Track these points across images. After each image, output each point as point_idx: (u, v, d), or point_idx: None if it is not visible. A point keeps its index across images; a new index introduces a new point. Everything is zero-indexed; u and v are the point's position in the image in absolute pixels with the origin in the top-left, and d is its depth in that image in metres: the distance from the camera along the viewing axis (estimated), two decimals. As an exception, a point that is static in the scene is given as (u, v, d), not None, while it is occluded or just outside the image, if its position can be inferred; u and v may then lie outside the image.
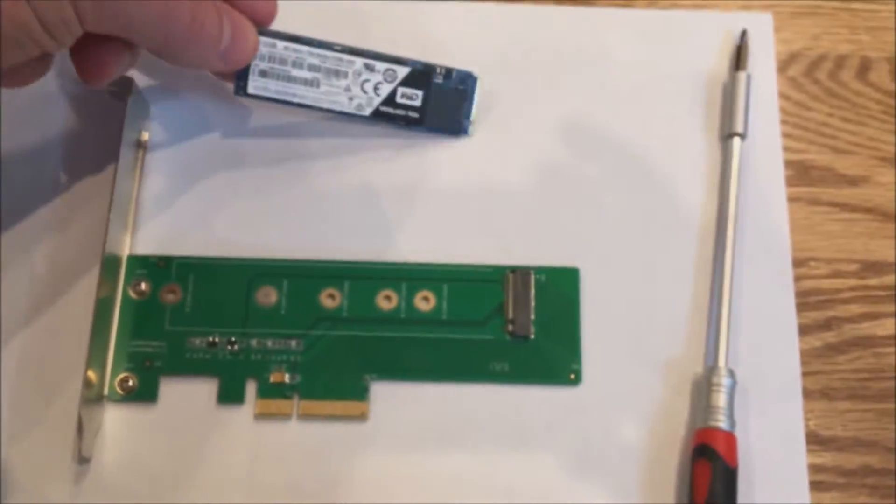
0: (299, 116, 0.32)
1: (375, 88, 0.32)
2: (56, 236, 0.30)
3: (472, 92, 0.32)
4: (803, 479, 0.29)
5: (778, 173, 0.32)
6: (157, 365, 0.29)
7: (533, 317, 0.30)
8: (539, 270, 0.30)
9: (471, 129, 0.33)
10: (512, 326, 0.30)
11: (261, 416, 0.29)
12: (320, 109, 0.31)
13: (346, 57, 0.31)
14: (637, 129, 0.33)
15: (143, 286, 0.30)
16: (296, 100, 0.31)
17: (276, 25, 0.30)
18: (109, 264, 0.29)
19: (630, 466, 0.29)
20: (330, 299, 0.30)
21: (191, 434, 0.28)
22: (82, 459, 0.27)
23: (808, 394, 0.30)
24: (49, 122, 0.32)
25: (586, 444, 0.29)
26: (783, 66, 0.34)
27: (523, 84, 0.33)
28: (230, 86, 0.30)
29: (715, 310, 0.30)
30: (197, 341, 0.29)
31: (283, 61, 0.30)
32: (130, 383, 0.29)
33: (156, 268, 0.30)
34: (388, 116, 0.32)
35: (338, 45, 0.31)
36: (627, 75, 0.33)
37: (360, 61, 0.31)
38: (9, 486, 0.28)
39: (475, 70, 0.32)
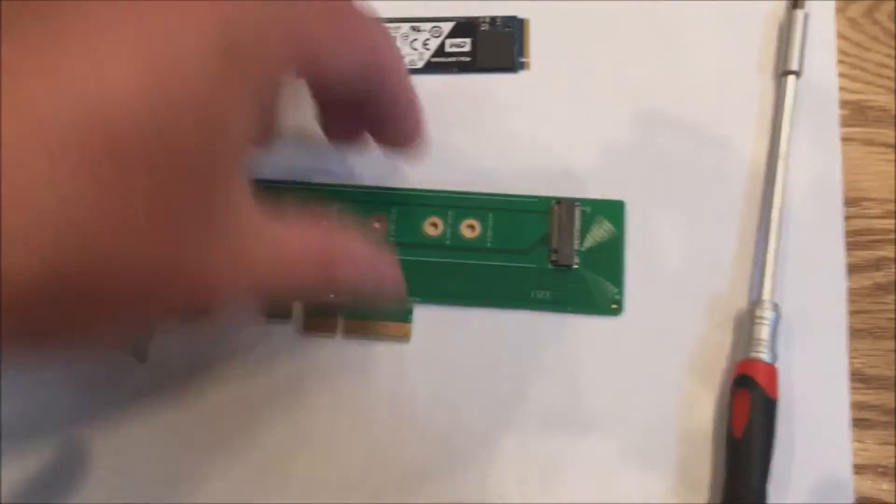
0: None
1: (424, 44, 0.33)
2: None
3: (521, 32, 0.33)
4: (845, 415, 0.29)
5: (832, 113, 0.32)
6: None
7: (577, 248, 0.30)
8: (585, 202, 0.31)
9: (525, 65, 0.33)
10: (555, 256, 0.30)
11: (307, 332, 0.30)
12: None
13: (391, 25, 0.33)
14: (689, 66, 0.32)
15: None
16: None
17: None
18: None
19: (669, 397, 0.29)
20: (377, 224, 0.31)
21: (238, 346, 0.29)
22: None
23: (854, 333, 0.29)
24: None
25: (625, 373, 0.29)
26: (842, 6, 0.33)
27: (576, 22, 0.33)
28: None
29: (762, 246, 0.30)
30: None
31: None
32: None
33: None
34: (441, 65, 0.33)
35: (384, 17, 0.32)
36: (680, 12, 0.33)
37: (405, 25, 0.33)
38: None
39: (525, 15, 0.33)
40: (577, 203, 0.31)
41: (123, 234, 0.18)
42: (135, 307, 0.20)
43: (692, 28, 0.33)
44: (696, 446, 0.28)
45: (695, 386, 0.29)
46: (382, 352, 0.30)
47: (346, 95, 0.25)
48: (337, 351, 0.30)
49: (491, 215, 0.31)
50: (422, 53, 0.33)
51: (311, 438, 0.29)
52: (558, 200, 0.31)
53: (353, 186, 0.31)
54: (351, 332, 0.29)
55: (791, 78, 0.31)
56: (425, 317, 0.30)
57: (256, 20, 0.20)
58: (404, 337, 0.30)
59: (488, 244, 0.30)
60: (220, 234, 0.21)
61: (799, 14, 0.32)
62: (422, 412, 0.29)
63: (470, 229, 0.30)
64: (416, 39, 0.33)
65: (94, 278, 0.18)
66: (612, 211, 0.31)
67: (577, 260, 0.30)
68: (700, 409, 0.29)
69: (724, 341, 0.29)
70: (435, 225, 0.31)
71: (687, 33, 0.33)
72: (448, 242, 0.30)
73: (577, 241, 0.30)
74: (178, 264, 0.20)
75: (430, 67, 0.33)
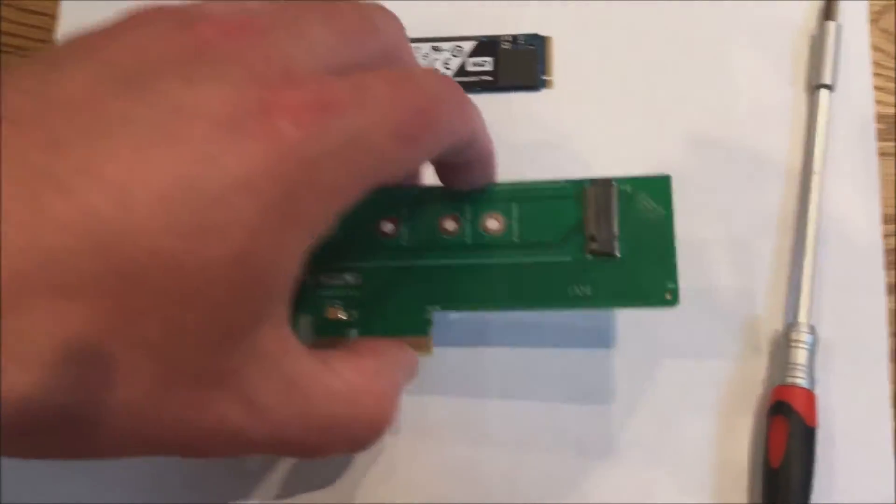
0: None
1: (445, 64, 0.33)
2: None
3: (543, 50, 0.33)
4: (888, 442, 0.27)
5: (868, 127, 0.31)
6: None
7: (617, 232, 0.25)
8: (622, 180, 0.26)
9: (549, 83, 0.32)
10: (593, 244, 0.25)
11: (316, 348, 0.25)
12: None
13: (413, 45, 0.32)
14: (719, 80, 0.31)
15: None
16: None
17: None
18: None
19: (702, 424, 0.28)
20: (388, 226, 0.27)
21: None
22: None
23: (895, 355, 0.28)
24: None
25: (657, 399, 0.28)
26: (876, 17, 0.32)
27: (601, 40, 0.33)
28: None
29: (798, 265, 0.29)
30: None
31: None
32: None
33: None
34: (462, 85, 0.32)
35: None
36: (708, 26, 0.32)
37: (426, 46, 0.33)
38: None
39: (548, 32, 0.33)
40: (612, 182, 0.26)
41: (124, 387, 0.17)
42: (114, 449, 0.18)
43: (721, 42, 0.32)
44: (731, 477, 0.27)
45: (729, 413, 0.28)
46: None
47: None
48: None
49: (515, 206, 0.26)
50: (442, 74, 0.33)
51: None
52: (592, 181, 0.26)
53: None
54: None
55: (824, 92, 0.30)
56: (447, 326, 0.28)
57: (322, 150, 0.18)
58: (424, 351, 0.26)
59: (515, 239, 0.26)
60: (233, 387, 0.19)
61: (831, 26, 0.31)
62: (444, 434, 0.28)
63: (493, 223, 0.26)
64: (437, 59, 0.33)
65: (79, 419, 0.17)
66: (657, 188, 0.26)
67: (618, 246, 0.25)
68: (735, 437, 0.28)
69: (759, 366, 0.28)
70: (453, 221, 0.26)
71: (716, 48, 0.32)
72: (469, 241, 0.26)
73: (616, 226, 0.25)
74: (173, 417, 0.18)
75: (452, 87, 0.32)
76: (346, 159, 0.19)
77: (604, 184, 0.26)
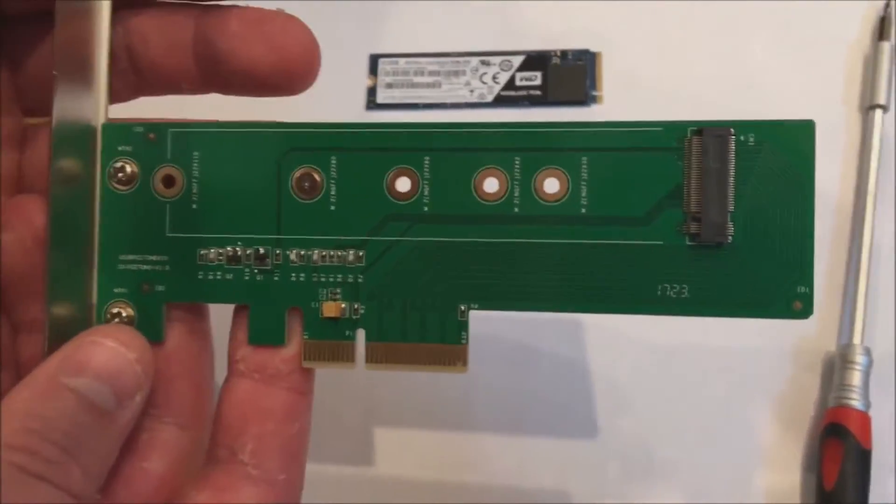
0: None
1: (494, 78, 0.33)
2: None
3: (593, 65, 0.33)
4: (945, 467, 0.27)
5: (922, 148, 0.31)
6: (158, 290, 0.19)
7: (732, 208, 0.18)
8: (743, 126, 0.18)
9: (598, 99, 0.32)
10: (696, 226, 0.18)
11: (310, 364, 0.19)
12: (444, 106, 0.33)
13: (462, 59, 0.33)
14: (770, 99, 0.31)
15: (129, 169, 0.19)
16: (420, 101, 0.33)
17: (396, 41, 0.34)
18: (67, 140, 0.19)
19: (753, 446, 0.28)
20: (404, 184, 0.19)
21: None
22: None
23: (951, 379, 0.28)
24: None
25: (707, 418, 0.28)
26: (930, 37, 0.32)
27: (651, 55, 0.33)
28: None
29: (851, 286, 0.29)
30: (211, 253, 0.19)
31: (405, 73, 0.33)
32: (124, 315, 0.19)
33: (145, 141, 0.19)
34: (511, 99, 0.33)
35: (453, 52, 0.34)
36: (764, 45, 0.32)
37: (475, 59, 0.33)
38: None
39: (598, 48, 0.33)
40: (730, 130, 0.18)
41: None
42: None
43: (773, 60, 0.32)
44: (782, 499, 0.27)
45: (781, 434, 0.28)
46: (423, 392, 0.27)
47: None
48: (356, 392, 0.27)
49: (585, 159, 0.19)
50: (491, 87, 0.33)
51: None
52: (699, 129, 0.18)
53: (361, 124, 0.19)
54: (377, 361, 0.19)
55: (878, 112, 0.30)
56: (488, 330, 0.26)
57: None
58: (457, 366, 0.19)
59: (582, 209, 0.19)
60: None
61: (885, 46, 0.31)
62: (487, 439, 0.28)
63: (552, 184, 0.19)
64: (485, 73, 0.33)
65: None
66: (795, 139, 0.18)
67: (731, 230, 0.18)
68: (787, 459, 0.27)
69: (811, 387, 0.28)
70: (495, 180, 0.19)
71: (768, 65, 0.32)
72: (517, 209, 0.19)
73: (732, 200, 0.18)
74: None
75: (500, 101, 0.32)
76: None
77: (716, 133, 0.18)
